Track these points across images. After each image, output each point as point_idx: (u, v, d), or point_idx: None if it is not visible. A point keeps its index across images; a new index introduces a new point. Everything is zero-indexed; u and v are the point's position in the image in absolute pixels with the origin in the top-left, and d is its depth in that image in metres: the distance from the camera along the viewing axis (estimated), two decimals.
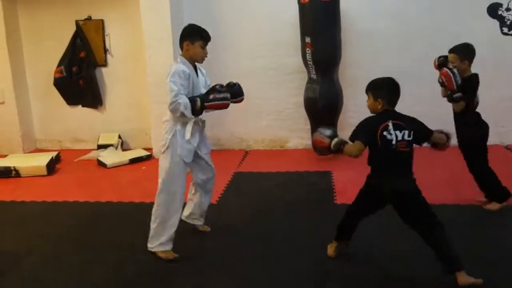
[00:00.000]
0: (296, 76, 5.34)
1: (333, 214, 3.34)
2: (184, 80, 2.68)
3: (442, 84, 3.28)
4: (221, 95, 2.75)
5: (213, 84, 2.91)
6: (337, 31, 4.76)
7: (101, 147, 5.67)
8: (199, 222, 3.18)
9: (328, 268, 2.65)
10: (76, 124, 6.02)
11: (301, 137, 5.52)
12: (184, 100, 2.63)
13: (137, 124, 5.80)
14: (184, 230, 3.14)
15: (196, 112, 2.68)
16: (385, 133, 2.37)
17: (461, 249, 2.43)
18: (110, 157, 5.26)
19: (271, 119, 5.66)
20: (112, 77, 5.85)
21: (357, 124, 2.47)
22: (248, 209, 3.68)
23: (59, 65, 5.79)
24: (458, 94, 3.16)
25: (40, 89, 5.99)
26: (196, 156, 2.92)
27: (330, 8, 4.62)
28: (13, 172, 4.78)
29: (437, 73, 3.40)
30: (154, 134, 5.31)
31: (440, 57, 3.40)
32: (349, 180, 4.06)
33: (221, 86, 2.84)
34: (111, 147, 5.63)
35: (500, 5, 5.08)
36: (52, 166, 4.95)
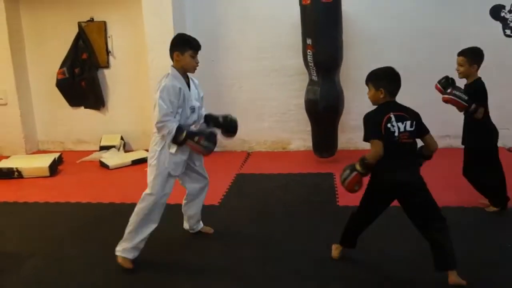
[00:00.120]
0: (298, 77, 5.34)
1: (336, 216, 3.35)
2: (174, 96, 2.62)
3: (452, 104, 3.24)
4: (206, 143, 2.67)
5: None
6: (339, 33, 4.74)
7: (103, 148, 5.68)
8: (199, 227, 3.19)
9: (329, 269, 2.64)
10: (78, 126, 6.04)
11: (303, 139, 5.51)
12: (171, 126, 2.60)
13: (139, 126, 5.80)
14: (186, 231, 3.15)
15: (176, 142, 2.65)
16: (388, 125, 2.34)
17: (464, 251, 2.43)
18: (112, 159, 5.27)
19: (273, 121, 5.66)
20: (114, 79, 5.86)
21: (363, 123, 2.44)
22: (250, 210, 3.68)
23: (61, 66, 5.81)
24: (473, 106, 3.11)
25: (42, 91, 6.01)
26: (188, 168, 2.91)
27: (332, 10, 4.60)
28: (16, 173, 4.79)
29: (441, 75, 3.38)
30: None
31: (441, 79, 3.33)
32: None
33: (210, 135, 2.72)
34: (113, 149, 5.64)
35: (503, 7, 5.07)
36: (54, 167, 4.95)
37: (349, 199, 3.32)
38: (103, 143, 5.76)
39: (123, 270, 2.70)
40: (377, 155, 2.34)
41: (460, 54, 3.22)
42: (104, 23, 5.72)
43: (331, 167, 4.73)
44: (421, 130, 2.43)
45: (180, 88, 2.66)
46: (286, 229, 3.28)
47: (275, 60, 5.47)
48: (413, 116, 2.41)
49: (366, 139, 2.41)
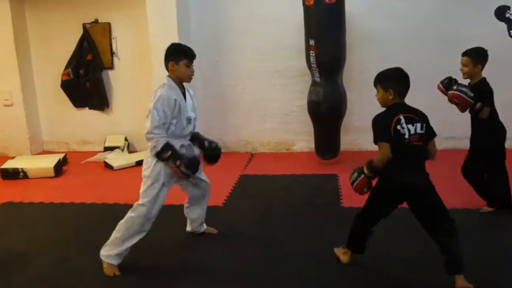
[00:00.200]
0: (301, 79, 5.34)
1: (340, 217, 3.36)
2: (169, 107, 2.61)
3: (456, 104, 3.22)
4: (185, 170, 2.64)
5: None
6: (342, 34, 4.73)
7: (108, 149, 5.70)
8: (202, 229, 3.18)
9: (333, 271, 2.64)
10: (83, 126, 6.06)
11: (307, 140, 5.51)
12: (159, 141, 2.61)
13: (143, 127, 5.80)
14: (190, 232, 3.16)
15: (159, 158, 2.64)
16: (398, 127, 2.32)
17: (469, 253, 2.42)
18: (116, 159, 5.29)
19: (277, 122, 5.67)
20: (118, 80, 5.88)
21: (372, 125, 2.41)
22: (253, 211, 3.69)
23: (66, 67, 5.83)
24: (478, 105, 3.09)
25: (47, 92, 6.04)
26: None
27: (335, 11, 4.59)
28: (21, 173, 4.82)
29: (445, 76, 3.37)
30: None
31: (444, 80, 3.31)
32: None
33: (193, 163, 2.70)
34: (117, 149, 5.66)
35: (508, 8, 5.05)
36: (59, 168, 4.98)
37: (353, 200, 3.33)
38: (108, 144, 5.78)
39: (126, 271, 2.70)
40: (385, 158, 2.33)
41: (465, 54, 3.21)
42: (109, 24, 5.74)
43: (335, 168, 4.73)
44: (429, 133, 2.43)
45: (175, 100, 2.64)
46: (289, 230, 3.28)
47: (278, 61, 5.47)
48: (423, 118, 2.40)
49: (375, 141, 2.39)
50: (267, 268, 2.72)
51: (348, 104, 4.99)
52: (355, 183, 2.43)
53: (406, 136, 2.32)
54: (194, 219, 3.11)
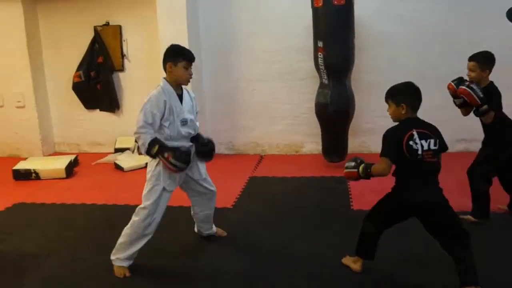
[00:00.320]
0: (310, 81, 5.34)
1: (350, 220, 3.34)
2: (157, 109, 2.60)
3: (460, 105, 3.17)
4: (174, 161, 2.57)
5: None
6: (350, 36, 4.70)
7: (118, 150, 5.75)
8: (211, 231, 3.17)
9: (343, 273, 2.64)
10: (93, 128, 6.12)
11: (316, 142, 5.50)
12: (144, 138, 2.59)
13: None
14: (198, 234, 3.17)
15: (150, 155, 2.62)
16: (410, 142, 2.28)
17: (481, 257, 2.40)
18: (127, 161, 5.33)
19: (286, 124, 5.67)
20: (129, 82, 5.93)
21: (382, 138, 2.39)
22: (263, 213, 3.69)
23: (77, 70, 5.90)
24: (485, 107, 3.02)
25: (59, 94, 6.11)
26: (188, 181, 2.87)
27: (344, 12, 4.57)
28: (33, 174, 4.88)
29: (452, 77, 3.33)
30: None
31: (454, 80, 3.23)
32: (366, 185, 3.97)
33: (180, 153, 2.61)
34: (127, 151, 5.71)
35: None
36: (70, 169, 5.03)
37: (363, 203, 3.32)
38: (118, 146, 5.82)
39: (136, 273, 2.73)
40: (382, 174, 2.33)
41: (471, 59, 3.13)
42: (120, 27, 5.80)
43: None
44: (442, 148, 2.40)
45: (165, 101, 2.62)
46: (299, 232, 3.28)
47: (287, 63, 5.48)
48: (436, 134, 2.37)
49: (381, 155, 2.37)
50: (276, 271, 2.72)
51: (357, 106, 4.97)
52: (346, 170, 2.50)
53: (419, 152, 2.28)
54: (201, 223, 3.11)
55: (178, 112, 2.69)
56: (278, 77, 5.54)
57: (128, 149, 5.73)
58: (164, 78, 2.75)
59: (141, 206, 2.70)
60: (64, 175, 4.90)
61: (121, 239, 2.73)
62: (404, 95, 2.39)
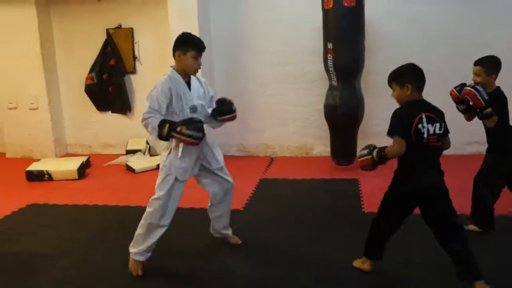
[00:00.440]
0: (320, 83, 5.32)
1: (361, 222, 3.31)
2: (163, 96, 2.57)
3: (464, 111, 3.12)
4: (188, 132, 2.49)
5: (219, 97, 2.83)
6: (360, 38, 4.68)
7: (130, 152, 5.78)
8: (226, 232, 3.11)
9: (354, 276, 2.63)
10: (105, 130, 6.17)
11: (326, 145, 5.47)
12: (153, 122, 2.53)
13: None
14: (211, 236, 3.18)
15: (162, 137, 2.54)
16: (419, 125, 2.26)
17: (488, 259, 2.38)
18: (138, 162, 5.36)
19: (297, 126, 5.66)
20: (140, 84, 5.96)
21: (391, 117, 2.33)
22: (273, 215, 3.69)
23: (90, 72, 5.95)
24: (489, 110, 2.93)
25: (71, 96, 6.17)
26: (204, 170, 2.84)
27: (354, 14, 4.55)
28: (46, 175, 4.94)
29: (465, 79, 3.28)
30: None
31: (456, 87, 3.13)
32: (377, 187, 3.97)
33: (190, 121, 2.55)
34: (139, 153, 5.74)
35: None
36: (82, 171, 5.08)
37: (375, 206, 3.28)
38: (129, 147, 5.86)
39: (148, 273, 2.74)
40: (397, 154, 2.29)
41: (477, 63, 3.05)
42: (131, 29, 5.84)
43: (355, 173, 4.69)
44: (445, 132, 2.37)
45: (169, 88, 2.59)
46: (310, 234, 3.27)
47: (298, 65, 5.47)
48: (440, 117, 2.35)
49: (390, 133, 2.31)
50: (287, 273, 2.72)
51: (367, 109, 4.94)
52: (360, 159, 2.47)
53: (425, 135, 2.27)
54: (217, 218, 3.04)
55: (187, 99, 2.66)
56: (288, 79, 5.54)
57: (139, 150, 5.77)
58: (172, 66, 2.72)
59: (154, 197, 2.70)
60: (76, 176, 4.95)
61: (138, 231, 2.75)
62: (408, 76, 2.37)
